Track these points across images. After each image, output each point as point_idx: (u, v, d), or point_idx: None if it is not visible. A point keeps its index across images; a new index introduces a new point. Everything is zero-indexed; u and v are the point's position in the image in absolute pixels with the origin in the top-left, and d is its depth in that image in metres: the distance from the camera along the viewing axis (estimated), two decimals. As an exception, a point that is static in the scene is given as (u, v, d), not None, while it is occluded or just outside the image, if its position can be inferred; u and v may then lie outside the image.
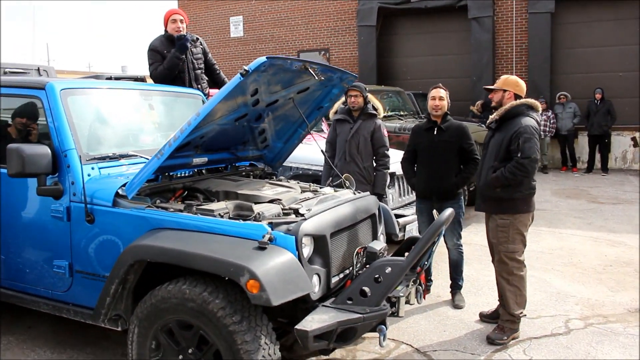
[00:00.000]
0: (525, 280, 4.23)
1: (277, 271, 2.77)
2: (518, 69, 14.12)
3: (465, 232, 7.37)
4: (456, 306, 4.87)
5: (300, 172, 6.01)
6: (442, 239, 4.90)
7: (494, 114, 4.21)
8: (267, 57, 3.05)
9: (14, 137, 3.93)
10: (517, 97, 4.19)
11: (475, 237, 6.86)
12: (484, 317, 4.55)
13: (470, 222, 7.65)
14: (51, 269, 3.59)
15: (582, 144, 13.38)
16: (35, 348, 4.11)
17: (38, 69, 9.86)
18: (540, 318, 4.59)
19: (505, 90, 4.21)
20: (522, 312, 4.20)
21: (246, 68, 2.99)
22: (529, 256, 6.16)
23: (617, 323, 4.49)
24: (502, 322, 4.21)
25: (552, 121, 12.85)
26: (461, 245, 5.00)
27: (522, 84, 4.26)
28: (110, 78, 9.01)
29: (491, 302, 4.78)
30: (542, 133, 12.39)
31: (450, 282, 5.07)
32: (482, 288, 5.29)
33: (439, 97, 4.80)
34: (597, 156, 12.89)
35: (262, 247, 2.84)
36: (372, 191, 5.21)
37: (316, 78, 3.57)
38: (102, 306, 3.25)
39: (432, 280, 5.21)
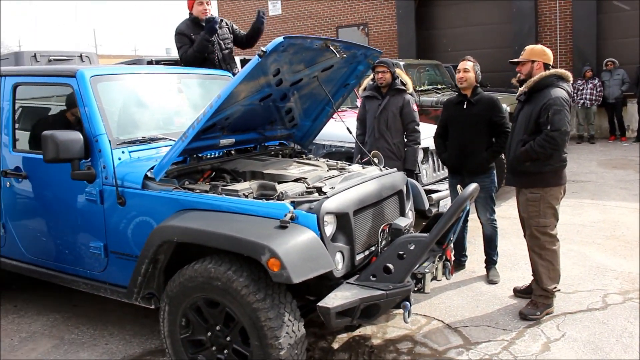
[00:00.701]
0: (558, 255, 4.15)
1: (298, 249, 2.81)
2: (562, 37, 13.66)
3: (504, 205, 7.29)
4: (490, 281, 4.82)
5: (334, 149, 6.02)
6: (474, 213, 4.89)
7: (523, 85, 4.10)
8: (284, 37, 3.06)
9: (71, 123, 4.05)
10: (546, 66, 4.08)
11: (514, 210, 6.67)
12: (518, 293, 4.49)
13: (510, 195, 7.50)
14: (88, 250, 3.73)
15: (632, 111, 12.85)
16: (79, 325, 4.31)
17: (80, 55, 10.14)
18: (576, 293, 4.51)
19: (533, 61, 4.09)
20: (555, 287, 4.14)
21: (263, 49, 3.01)
22: (569, 229, 6.08)
23: (658, 297, 4.37)
24: (535, 297, 4.15)
25: (598, 89, 12.40)
26: (495, 220, 4.93)
27: (549, 53, 4.14)
28: (151, 62, 9.14)
29: (527, 277, 4.71)
30: (587, 102, 12.19)
31: (485, 257, 5.02)
32: (518, 262, 5.22)
33: (464, 69, 4.70)
34: (648, 124, 12.41)
35: (283, 226, 2.89)
36: (403, 167, 5.21)
37: (338, 56, 3.56)
38: (135, 285, 3.37)
39: (466, 256, 5.18)
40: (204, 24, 5.36)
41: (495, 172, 4.91)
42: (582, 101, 12.40)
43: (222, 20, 5.63)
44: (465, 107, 4.76)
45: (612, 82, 12.39)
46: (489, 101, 4.74)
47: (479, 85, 4.81)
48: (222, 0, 18.80)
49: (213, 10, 5.67)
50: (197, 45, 5.34)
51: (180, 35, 5.43)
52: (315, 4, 17.12)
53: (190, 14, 5.51)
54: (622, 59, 12.67)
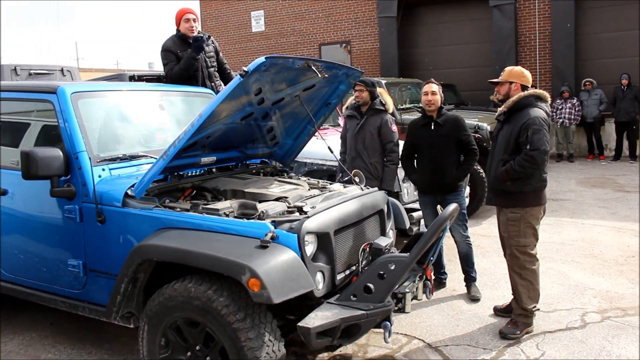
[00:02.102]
0: (538, 274, 4.19)
1: (278, 269, 2.81)
2: (541, 56, 13.90)
3: (484, 223, 7.34)
4: (473, 298, 4.85)
5: (315, 167, 6.04)
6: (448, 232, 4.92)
7: (502, 106, 4.17)
8: (266, 57, 3.08)
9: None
10: (523, 88, 4.15)
11: (494, 228, 6.74)
12: (498, 312, 4.52)
13: (489, 213, 7.56)
14: (67, 268, 3.69)
15: (609, 131, 13.09)
16: (56, 344, 4.23)
17: (62, 70, 10.05)
18: (556, 312, 4.55)
19: (511, 82, 4.17)
20: (535, 306, 4.17)
21: (245, 69, 3.03)
22: (548, 248, 6.14)
23: (636, 316, 4.41)
24: (515, 317, 4.18)
25: (577, 109, 12.62)
26: (468, 237, 4.99)
27: (528, 74, 4.22)
28: (133, 77, 9.12)
29: (507, 296, 4.74)
30: (566, 121, 12.37)
31: (464, 275, 5.05)
32: (498, 281, 5.25)
33: (432, 92, 4.81)
34: (625, 143, 12.62)
35: (264, 246, 2.88)
36: (380, 187, 5.21)
37: (319, 76, 3.58)
38: (114, 304, 3.33)
39: (446, 274, 5.20)
40: (191, 41, 5.36)
41: (464, 189, 4.98)
42: (561, 120, 12.60)
43: (209, 38, 5.63)
44: (432, 128, 4.85)
45: (590, 102, 12.61)
46: (455, 121, 4.87)
47: (442, 106, 4.92)
48: (205, 17, 18.87)
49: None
50: (183, 63, 5.34)
51: (167, 52, 5.43)
52: (298, 22, 17.25)
53: (177, 30, 5.51)
54: (600, 79, 12.93)
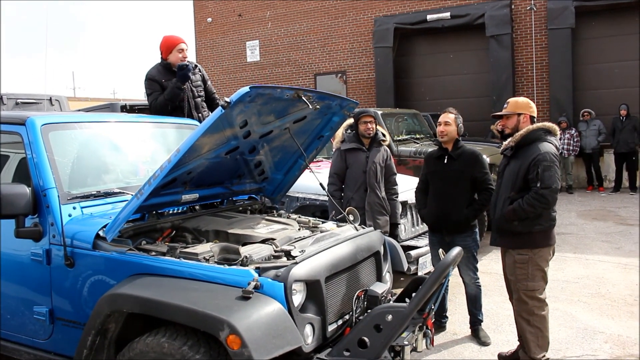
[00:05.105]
0: (547, 320, 3.88)
1: (261, 324, 2.49)
2: (539, 87, 13.77)
3: (485, 259, 7.04)
4: (483, 343, 4.54)
5: (308, 202, 5.74)
6: (457, 271, 4.62)
7: (509, 140, 3.89)
8: (250, 87, 2.81)
9: None
10: (532, 119, 3.89)
11: (496, 265, 6.49)
12: (503, 359, 4.19)
13: (490, 248, 7.28)
14: (32, 315, 3.36)
15: (609, 162, 12.90)
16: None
17: (50, 99, 9.81)
18: (565, 359, 4.22)
19: (519, 114, 3.90)
20: (544, 355, 3.85)
21: (227, 99, 2.76)
22: (553, 286, 5.83)
23: (652, 365, 4.10)
24: (523, 367, 3.86)
25: (575, 139, 12.43)
26: (478, 279, 4.67)
27: (533, 105, 3.97)
28: (125, 106, 8.86)
29: (512, 341, 4.43)
30: (565, 152, 12.15)
31: (468, 317, 4.73)
32: (502, 324, 4.93)
33: (445, 122, 4.51)
34: (625, 174, 12.40)
35: (246, 297, 2.58)
36: (391, 221, 5.18)
37: (310, 107, 3.31)
38: (79, 358, 2.99)
39: (447, 317, 4.88)
40: (176, 70, 5.10)
41: (477, 230, 4.66)
42: (559, 151, 12.39)
43: (195, 67, 5.33)
44: (445, 161, 4.54)
45: (588, 133, 12.44)
46: (471, 156, 4.53)
47: (459, 138, 4.60)
48: (200, 46, 18.79)
49: (191, 56, 5.41)
50: (168, 93, 5.06)
51: (151, 81, 5.15)
52: (293, 51, 17.14)
53: (163, 59, 5.24)
54: (598, 110, 12.79)
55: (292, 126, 3.66)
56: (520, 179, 3.77)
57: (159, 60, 5.27)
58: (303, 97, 3.25)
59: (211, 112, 5.37)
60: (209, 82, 5.54)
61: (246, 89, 2.81)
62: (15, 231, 3.18)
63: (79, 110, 9.70)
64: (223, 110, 2.78)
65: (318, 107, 3.42)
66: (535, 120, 3.91)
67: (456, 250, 2.98)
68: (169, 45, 5.23)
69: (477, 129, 12.87)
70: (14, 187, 3.14)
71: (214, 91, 5.63)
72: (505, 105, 4.02)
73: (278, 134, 3.66)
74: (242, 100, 2.87)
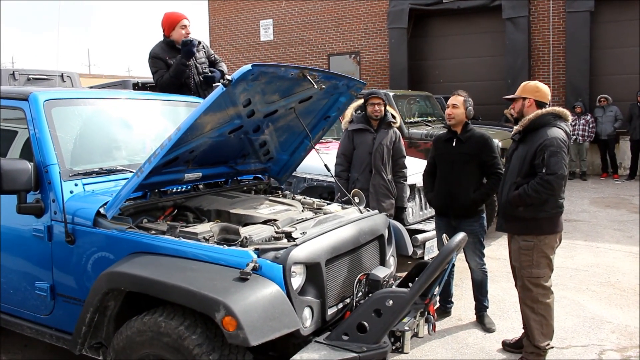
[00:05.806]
0: (552, 308, 3.81)
1: (258, 306, 2.47)
2: (555, 71, 13.53)
3: (494, 245, 6.96)
4: (487, 330, 4.49)
5: (315, 183, 5.69)
6: (463, 256, 4.57)
7: (518, 124, 3.80)
8: (252, 65, 2.75)
9: None
10: (538, 104, 3.78)
11: (504, 251, 6.36)
12: (507, 346, 4.14)
13: (500, 234, 7.19)
14: (34, 291, 3.36)
15: (624, 149, 12.68)
16: (26, 370, 3.91)
17: (62, 75, 9.82)
18: (570, 348, 4.17)
19: (524, 98, 3.80)
20: (548, 344, 3.79)
21: (229, 77, 2.70)
22: (561, 274, 5.75)
23: (659, 356, 4.04)
24: (526, 355, 3.81)
25: (591, 125, 12.23)
26: (485, 265, 4.61)
27: (544, 89, 3.85)
28: (137, 84, 8.83)
29: (517, 328, 4.38)
30: (580, 138, 11.97)
31: (474, 303, 4.68)
32: (507, 311, 4.88)
33: (453, 105, 4.41)
34: (640, 162, 12.21)
35: (243, 278, 2.54)
36: (396, 204, 5.12)
37: (316, 87, 3.25)
38: (78, 335, 3.00)
39: (452, 302, 4.83)
40: (180, 47, 5.04)
41: (485, 215, 4.58)
42: (574, 137, 12.21)
43: (199, 43, 5.27)
44: (454, 144, 4.46)
45: (604, 119, 12.23)
46: (480, 139, 4.44)
47: (469, 121, 4.51)
48: (213, 25, 18.66)
49: (204, 35, 5.36)
50: (173, 70, 5.01)
51: (155, 59, 5.11)
52: (307, 31, 16.98)
53: (165, 36, 5.18)
54: (615, 96, 12.55)
55: (297, 106, 3.60)
56: (527, 164, 3.69)
57: (162, 38, 5.22)
58: (308, 77, 3.19)
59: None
60: (212, 53, 5.46)
61: (248, 66, 2.74)
62: (17, 207, 3.16)
63: (92, 87, 9.69)
64: (224, 89, 2.73)
65: (324, 86, 3.35)
66: (544, 105, 3.80)
67: (460, 235, 2.93)
68: (171, 22, 5.18)
69: (492, 112, 12.70)
70: (16, 162, 3.13)
71: (217, 57, 5.52)
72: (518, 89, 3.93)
73: (283, 113, 3.60)
74: (245, 79, 2.82)
